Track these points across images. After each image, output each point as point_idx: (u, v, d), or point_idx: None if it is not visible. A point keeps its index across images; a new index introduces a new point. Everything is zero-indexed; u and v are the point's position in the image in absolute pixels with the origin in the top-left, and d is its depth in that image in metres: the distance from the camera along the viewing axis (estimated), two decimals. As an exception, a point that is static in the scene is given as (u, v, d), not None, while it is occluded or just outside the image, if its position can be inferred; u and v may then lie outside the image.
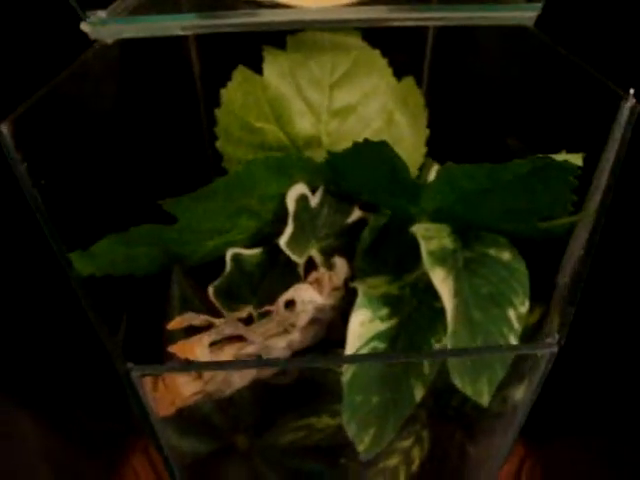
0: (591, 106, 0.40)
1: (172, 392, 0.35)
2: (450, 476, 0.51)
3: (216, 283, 0.46)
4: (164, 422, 0.41)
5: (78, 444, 0.72)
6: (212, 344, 0.37)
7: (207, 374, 0.36)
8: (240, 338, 0.39)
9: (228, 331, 0.38)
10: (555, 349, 0.33)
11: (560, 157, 0.37)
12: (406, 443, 0.48)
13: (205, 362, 0.35)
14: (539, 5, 0.41)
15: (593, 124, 0.40)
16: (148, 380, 0.36)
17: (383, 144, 0.38)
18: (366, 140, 0.38)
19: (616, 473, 0.67)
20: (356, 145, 0.39)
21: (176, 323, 0.37)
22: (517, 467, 0.68)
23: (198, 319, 0.37)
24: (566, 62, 0.40)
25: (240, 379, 0.39)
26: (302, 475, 0.49)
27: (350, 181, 0.43)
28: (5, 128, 0.34)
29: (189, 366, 0.35)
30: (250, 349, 0.39)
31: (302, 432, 0.47)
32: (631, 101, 0.37)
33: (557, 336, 0.33)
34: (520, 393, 0.40)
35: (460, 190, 0.40)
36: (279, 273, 0.46)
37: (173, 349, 0.36)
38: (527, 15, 0.41)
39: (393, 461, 0.48)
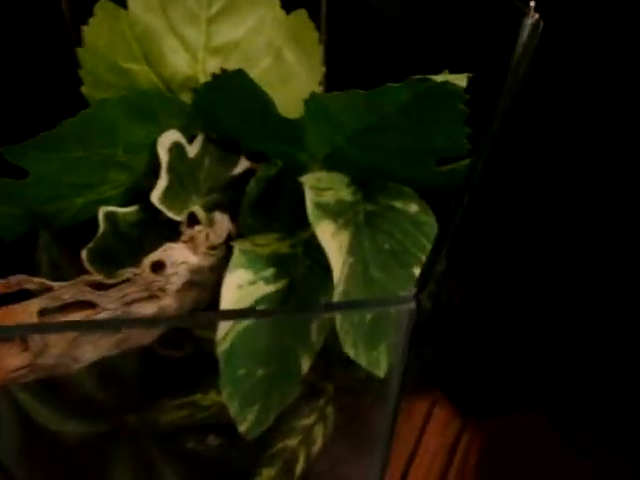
0: (494, 24, 0.35)
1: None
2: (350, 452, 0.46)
3: (90, 246, 0.41)
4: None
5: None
6: (49, 312, 0.32)
7: (37, 345, 0.31)
8: (91, 305, 0.34)
9: (68, 296, 0.33)
10: (412, 305, 0.28)
11: (442, 78, 0.32)
12: (307, 421, 0.44)
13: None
14: None
15: (497, 44, 0.35)
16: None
17: (241, 73, 0.33)
18: (224, 70, 0.33)
19: (555, 447, 0.65)
20: (215, 77, 0.34)
21: (1, 287, 0.32)
22: (452, 441, 0.65)
23: (31, 282, 0.32)
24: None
25: (91, 352, 0.34)
26: (192, 459, 0.45)
27: (220, 122, 0.38)
28: None
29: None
30: (103, 316, 0.34)
31: (185, 410, 0.42)
32: (533, 17, 0.32)
33: (414, 291, 0.28)
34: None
35: (342, 127, 0.36)
36: (160, 233, 0.42)
37: (-6, 317, 0.31)
38: None
39: (293, 441, 0.44)
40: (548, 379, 0.69)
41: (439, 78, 0.32)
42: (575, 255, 0.66)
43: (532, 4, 0.32)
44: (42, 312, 0.32)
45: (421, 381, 0.65)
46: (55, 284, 0.33)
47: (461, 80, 0.33)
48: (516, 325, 0.69)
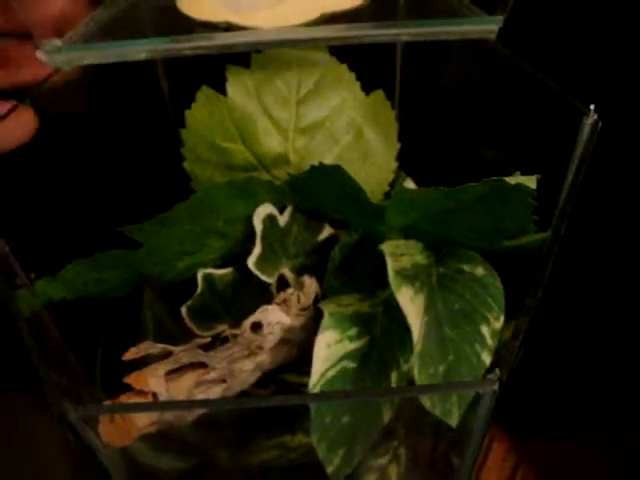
0: (554, 121, 0.39)
1: (128, 423, 0.35)
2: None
3: (189, 303, 0.46)
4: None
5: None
6: (171, 372, 0.37)
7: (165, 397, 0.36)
8: (202, 365, 0.39)
9: (186, 359, 0.38)
10: (496, 387, 0.32)
11: (513, 180, 0.36)
12: (382, 460, 0.48)
13: (140, 403, 0.35)
14: (500, 18, 0.40)
15: (556, 140, 0.39)
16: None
17: (337, 168, 0.37)
18: (321, 164, 0.38)
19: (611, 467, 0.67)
20: (313, 168, 0.39)
21: (131, 354, 0.37)
22: (509, 474, 0.68)
23: (155, 348, 0.37)
24: (528, 76, 0.40)
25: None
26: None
27: (312, 202, 0.43)
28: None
29: (118, 407, 0.35)
30: (213, 374, 0.39)
31: (276, 451, 0.46)
32: (592, 117, 0.36)
33: (497, 373, 0.32)
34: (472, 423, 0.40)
35: (422, 210, 0.40)
36: (252, 291, 0.46)
37: (127, 380, 0.36)
38: (489, 28, 0.40)
39: (369, 479, 0.48)
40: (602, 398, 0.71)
41: (512, 180, 0.36)
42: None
43: (592, 107, 0.36)
44: (167, 373, 0.37)
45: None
46: (174, 348, 0.38)
47: (531, 182, 0.37)
48: (562, 343, 0.72)
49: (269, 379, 0.47)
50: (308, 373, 0.40)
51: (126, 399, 0.36)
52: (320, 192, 0.41)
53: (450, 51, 0.47)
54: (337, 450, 0.42)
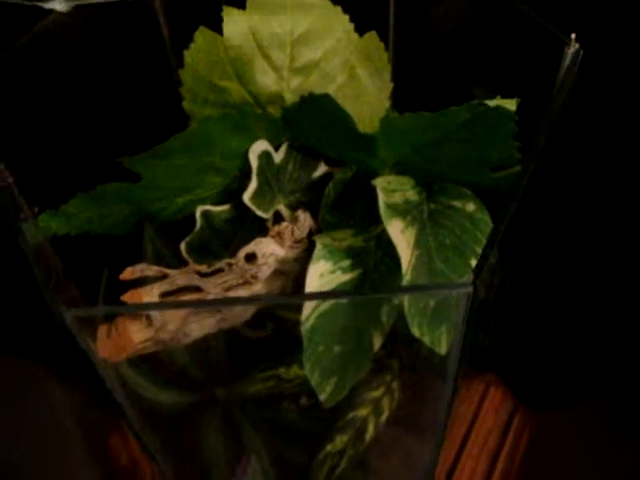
0: (540, 54, 0.40)
1: (123, 338, 0.37)
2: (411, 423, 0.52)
3: (187, 239, 0.47)
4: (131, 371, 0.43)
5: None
6: (166, 295, 0.39)
7: (158, 321, 0.37)
8: (198, 290, 0.40)
9: (181, 281, 0.39)
10: (470, 289, 0.34)
11: (494, 103, 0.37)
12: (376, 394, 0.49)
13: (134, 304, 0.37)
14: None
15: (543, 73, 0.40)
16: (102, 328, 0.37)
17: (326, 97, 0.39)
18: (311, 94, 0.39)
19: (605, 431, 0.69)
20: (303, 98, 0.40)
21: (127, 274, 0.38)
22: (506, 419, 0.69)
23: (151, 270, 0.39)
24: (515, 11, 0.41)
25: (197, 329, 0.40)
26: (276, 425, 0.51)
27: (305, 135, 0.44)
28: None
29: (121, 307, 0.36)
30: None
31: (271, 382, 0.48)
32: (574, 46, 0.37)
33: (471, 277, 0.33)
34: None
35: (410, 141, 0.41)
36: (249, 228, 0.48)
37: (124, 298, 0.37)
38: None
39: (363, 411, 0.49)
40: (598, 372, 0.72)
41: (492, 103, 0.37)
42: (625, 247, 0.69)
43: (573, 36, 0.37)
44: (162, 294, 0.38)
45: (477, 364, 0.70)
46: (170, 271, 0.40)
47: (511, 104, 0.38)
48: (567, 317, 0.73)
49: (265, 318, 0.48)
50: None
51: (122, 320, 0.38)
52: (312, 123, 0.42)
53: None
54: (329, 378, 0.44)
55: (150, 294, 0.37)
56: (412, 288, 0.38)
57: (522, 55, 0.42)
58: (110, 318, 0.39)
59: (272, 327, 0.49)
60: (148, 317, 0.37)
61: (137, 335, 0.37)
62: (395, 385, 0.50)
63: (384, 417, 0.50)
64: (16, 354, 0.78)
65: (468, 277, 0.34)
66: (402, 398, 0.50)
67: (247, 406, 0.50)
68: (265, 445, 0.51)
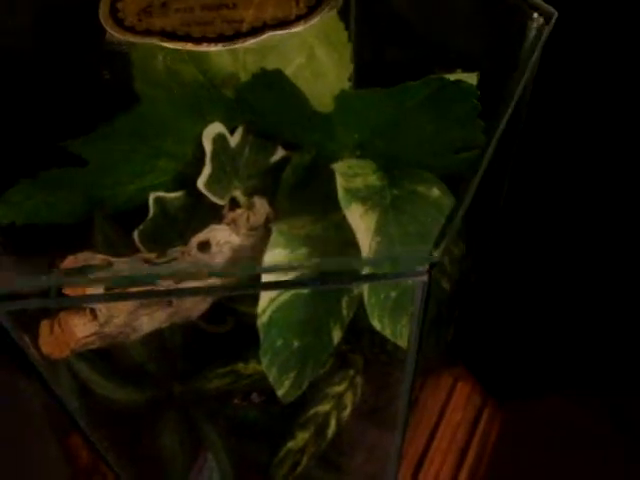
0: (505, 26, 0.39)
1: (67, 334, 0.35)
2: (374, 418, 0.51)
3: (140, 228, 0.45)
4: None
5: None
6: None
7: (103, 315, 0.35)
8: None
9: (127, 271, 0.37)
10: (425, 278, 0.32)
11: (454, 77, 0.36)
12: (339, 389, 0.48)
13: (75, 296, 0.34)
14: None
15: (508, 46, 0.39)
16: (45, 324, 0.35)
17: (278, 72, 0.37)
18: (263, 69, 0.37)
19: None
20: (255, 75, 0.38)
21: (69, 262, 0.36)
22: (474, 414, 0.68)
23: (95, 258, 0.37)
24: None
25: (147, 323, 0.38)
26: (234, 423, 0.49)
27: (260, 115, 0.42)
28: None
29: (60, 299, 0.34)
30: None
31: (228, 378, 0.46)
32: (538, 21, 0.36)
33: (427, 266, 0.32)
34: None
35: (368, 120, 0.40)
36: (204, 216, 0.46)
37: (67, 290, 0.35)
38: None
39: (325, 407, 0.48)
40: (565, 363, 0.72)
41: (452, 77, 0.36)
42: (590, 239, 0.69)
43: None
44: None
45: (445, 358, 0.69)
46: (116, 260, 0.37)
47: (472, 78, 0.37)
48: (534, 308, 0.72)
49: (222, 311, 0.46)
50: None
51: (65, 315, 0.36)
52: (266, 102, 0.41)
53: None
54: (288, 373, 0.42)
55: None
56: (367, 276, 0.37)
57: (488, 31, 0.40)
58: (52, 313, 0.36)
59: (230, 322, 0.47)
60: (92, 311, 0.35)
61: (81, 330, 0.35)
62: (358, 380, 0.48)
63: (347, 412, 0.48)
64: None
65: (423, 265, 0.32)
66: (365, 393, 0.49)
67: (204, 403, 0.48)
68: (224, 443, 0.50)
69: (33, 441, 0.70)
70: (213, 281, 0.43)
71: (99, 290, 0.34)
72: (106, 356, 0.46)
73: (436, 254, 0.31)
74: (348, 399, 0.48)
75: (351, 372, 0.48)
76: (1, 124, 0.42)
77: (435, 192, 0.43)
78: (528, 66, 0.35)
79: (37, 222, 0.44)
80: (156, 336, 0.44)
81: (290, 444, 0.47)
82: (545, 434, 0.69)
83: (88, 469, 0.68)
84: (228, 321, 0.47)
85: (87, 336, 0.35)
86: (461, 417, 0.67)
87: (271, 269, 0.37)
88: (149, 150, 0.42)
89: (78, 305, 0.35)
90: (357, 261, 0.38)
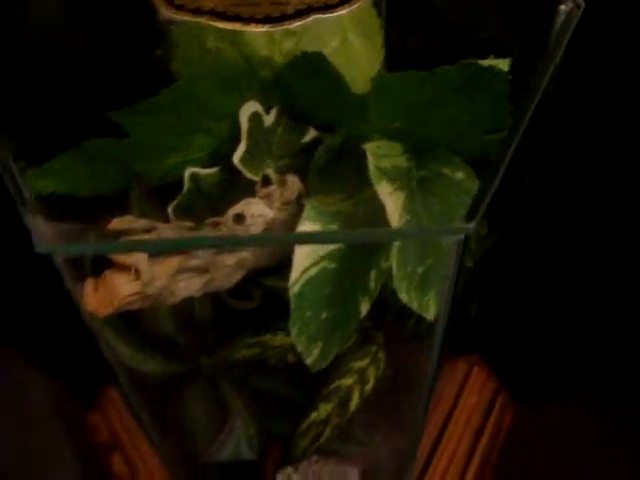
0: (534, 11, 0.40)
1: (111, 292, 0.37)
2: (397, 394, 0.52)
3: (175, 202, 0.47)
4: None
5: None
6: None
7: (146, 276, 0.37)
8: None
9: (171, 234, 0.39)
10: (462, 236, 0.34)
11: (486, 63, 0.37)
12: (362, 363, 0.50)
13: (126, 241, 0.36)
14: None
15: (537, 31, 0.40)
16: (89, 281, 0.37)
17: (319, 54, 0.38)
18: (303, 52, 0.39)
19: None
20: (295, 58, 0.40)
21: (115, 224, 0.38)
22: (490, 398, 0.70)
23: (138, 222, 0.38)
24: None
25: (184, 289, 0.40)
26: (260, 393, 0.51)
27: (296, 97, 0.44)
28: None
29: (115, 244, 0.36)
30: (196, 261, 0.40)
31: (256, 349, 0.48)
32: (568, 5, 0.37)
33: (466, 224, 0.33)
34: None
35: (402, 102, 0.41)
36: (238, 192, 0.47)
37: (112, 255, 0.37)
38: None
39: (348, 380, 0.49)
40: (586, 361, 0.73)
41: (486, 62, 0.37)
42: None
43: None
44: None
45: (462, 344, 0.70)
46: (159, 224, 0.39)
47: (504, 65, 0.38)
48: (557, 304, 0.74)
49: (252, 285, 0.48)
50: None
51: (110, 273, 0.38)
52: (304, 84, 0.42)
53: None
54: (316, 343, 0.44)
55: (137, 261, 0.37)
56: (404, 232, 0.39)
57: (518, 16, 0.42)
58: (99, 270, 0.38)
59: (257, 298, 0.49)
60: (136, 271, 0.37)
61: (125, 288, 0.37)
62: (381, 355, 0.50)
63: (369, 386, 0.50)
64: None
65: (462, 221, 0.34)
66: (388, 368, 0.50)
67: (232, 373, 0.50)
68: (249, 414, 0.51)
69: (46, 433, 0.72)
70: (245, 255, 0.45)
71: (143, 257, 0.36)
72: (137, 328, 0.47)
73: (470, 226, 0.33)
74: (371, 373, 0.50)
75: (374, 348, 0.50)
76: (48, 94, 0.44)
77: (460, 175, 0.45)
78: (557, 51, 0.36)
79: (76, 193, 0.46)
80: (186, 308, 0.46)
81: (313, 416, 0.49)
82: (559, 428, 0.71)
83: (107, 444, 0.71)
84: (254, 297, 0.49)
85: (130, 295, 0.37)
86: (476, 401, 0.69)
87: (309, 235, 0.39)
88: (186, 126, 0.44)
89: (140, 251, 0.37)
90: (391, 231, 0.40)
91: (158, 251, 0.38)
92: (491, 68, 0.37)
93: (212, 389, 0.51)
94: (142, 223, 0.39)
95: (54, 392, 0.77)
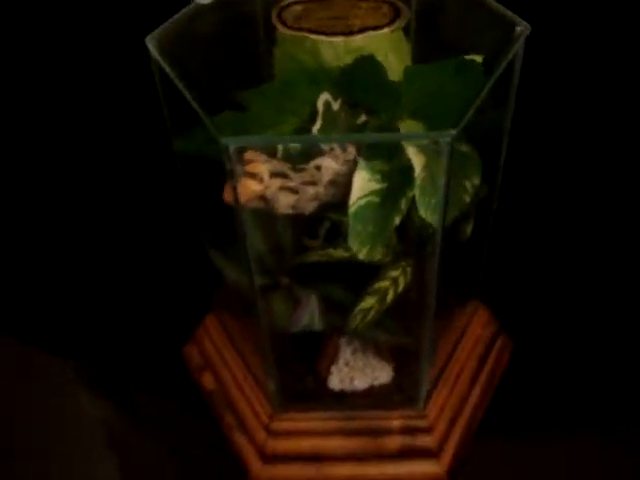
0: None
1: (244, 188, 0.60)
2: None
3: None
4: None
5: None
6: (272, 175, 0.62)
7: (266, 182, 0.61)
8: (286, 176, 0.64)
9: (279, 167, 0.62)
10: (449, 139, 0.56)
11: (469, 57, 0.60)
12: (395, 273, 0.72)
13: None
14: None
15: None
16: (228, 185, 0.60)
17: (372, 58, 0.62)
18: (361, 56, 0.63)
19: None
20: (356, 60, 0.63)
21: (250, 155, 0.61)
22: (493, 332, 0.89)
23: (260, 156, 0.62)
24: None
25: (284, 200, 0.64)
26: (328, 285, 0.74)
27: (354, 89, 0.66)
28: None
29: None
30: (291, 183, 0.64)
31: (324, 257, 0.71)
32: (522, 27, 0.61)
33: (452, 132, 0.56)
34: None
35: (423, 91, 0.65)
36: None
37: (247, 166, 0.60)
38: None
39: (386, 283, 0.72)
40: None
41: (468, 57, 0.60)
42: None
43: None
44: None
45: (470, 289, 0.89)
46: (272, 159, 0.63)
47: (479, 59, 0.61)
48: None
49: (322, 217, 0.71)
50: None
51: (244, 177, 0.61)
52: (361, 78, 0.65)
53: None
54: (365, 245, 0.66)
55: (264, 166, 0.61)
56: (402, 135, 0.62)
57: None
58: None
59: (323, 232, 0.72)
60: (260, 178, 0.61)
61: (253, 187, 0.60)
62: (408, 269, 0.72)
63: (400, 289, 0.72)
64: (50, 352, 0.93)
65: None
66: (413, 277, 0.73)
67: (305, 278, 0.73)
68: (319, 298, 0.74)
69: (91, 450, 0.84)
70: (320, 189, 0.67)
71: (266, 173, 0.60)
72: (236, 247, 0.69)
73: (453, 131, 0.55)
74: (401, 280, 0.71)
75: (403, 263, 0.72)
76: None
77: (464, 147, 0.67)
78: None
79: (203, 155, 0.64)
80: (275, 230, 0.69)
81: (361, 304, 0.70)
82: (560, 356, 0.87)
83: (200, 366, 0.91)
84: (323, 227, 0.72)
85: (255, 192, 0.61)
86: (480, 333, 0.88)
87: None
88: (282, 107, 0.67)
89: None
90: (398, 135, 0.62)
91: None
92: (472, 60, 0.60)
93: (291, 293, 0.74)
94: (262, 157, 0.62)
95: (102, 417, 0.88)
